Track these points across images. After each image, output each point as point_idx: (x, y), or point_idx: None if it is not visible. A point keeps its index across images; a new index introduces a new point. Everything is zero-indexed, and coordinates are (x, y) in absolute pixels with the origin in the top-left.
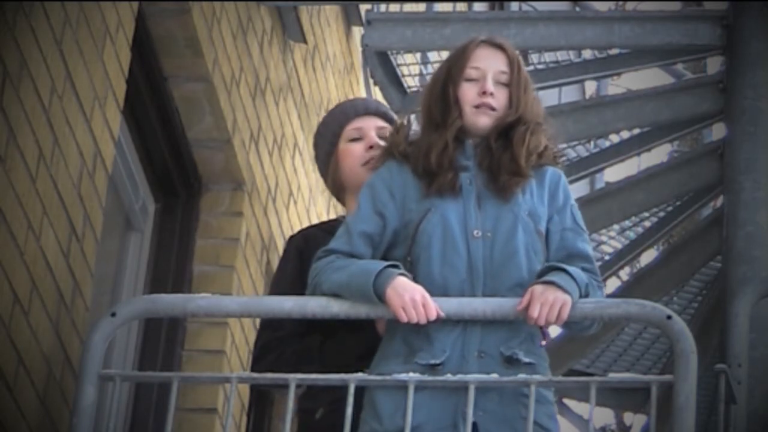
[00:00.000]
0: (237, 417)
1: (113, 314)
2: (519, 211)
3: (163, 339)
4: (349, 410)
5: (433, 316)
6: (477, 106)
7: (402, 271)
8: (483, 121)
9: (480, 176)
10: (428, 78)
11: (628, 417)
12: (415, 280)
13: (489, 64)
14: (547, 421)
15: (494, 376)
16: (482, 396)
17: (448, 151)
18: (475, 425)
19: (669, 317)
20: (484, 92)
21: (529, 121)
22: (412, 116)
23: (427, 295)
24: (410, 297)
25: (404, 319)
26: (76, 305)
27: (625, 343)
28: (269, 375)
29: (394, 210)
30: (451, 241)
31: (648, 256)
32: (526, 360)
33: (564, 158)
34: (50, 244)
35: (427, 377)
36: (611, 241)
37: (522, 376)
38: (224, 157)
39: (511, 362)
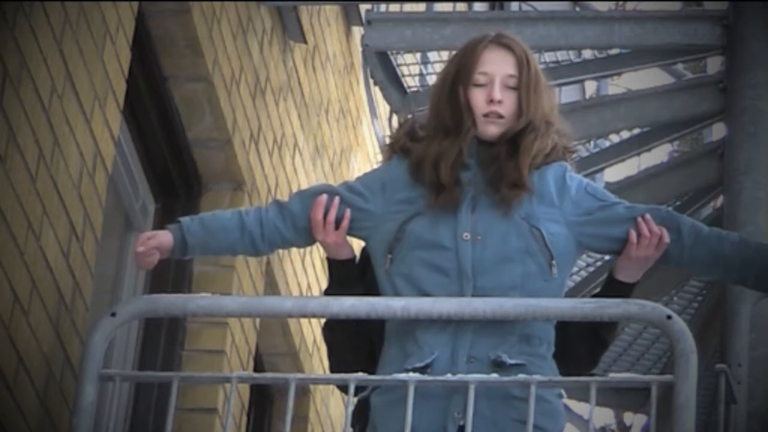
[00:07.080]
0: (237, 417)
1: (113, 314)
2: (513, 215)
3: (163, 339)
4: (350, 410)
5: (140, 249)
6: (486, 115)
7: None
8: (491, 130)
9: (479, 175)
10: (431, 78)
11: (628, 417)
12: (397, 277)
13: (497, 68)
14: (542, 419)
15: (494, 376)
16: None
17: (460, 158)
18: (463, 429)
19: (669, 317)
20: (492, 100)
21: (538, 127)
22: (417, 113)
23: (140, 240)
24: (134, 252)
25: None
26: (76, 305)
27: (625, 343)
28: (269, 375)
29: (382, 204)
30: (439, 244)
31: None
32: (512, 362)
33: (575, 153)
34: (50, 244)
35: (426, 377)
36: None
37: (522, 376)
38: (224, 157)
39: (498, 365)
